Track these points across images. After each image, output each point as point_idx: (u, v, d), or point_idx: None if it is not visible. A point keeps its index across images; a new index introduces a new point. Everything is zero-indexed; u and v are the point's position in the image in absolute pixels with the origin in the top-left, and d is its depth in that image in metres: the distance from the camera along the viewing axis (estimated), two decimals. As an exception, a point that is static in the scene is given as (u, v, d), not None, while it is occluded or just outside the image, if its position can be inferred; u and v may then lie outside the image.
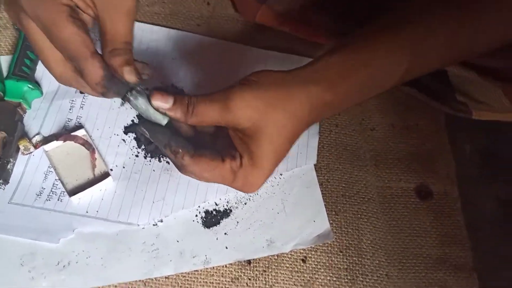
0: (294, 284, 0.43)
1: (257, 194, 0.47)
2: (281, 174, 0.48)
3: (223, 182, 0.36)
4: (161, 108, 0.35)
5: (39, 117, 0.47)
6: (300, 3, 0.54)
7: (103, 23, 0.35)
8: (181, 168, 0.36)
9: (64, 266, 0.40)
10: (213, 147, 0.37)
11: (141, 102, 0.36)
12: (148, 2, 0.58)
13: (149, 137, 0.36)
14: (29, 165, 0.45)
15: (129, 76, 0.35)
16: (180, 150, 0.35)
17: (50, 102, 0.49)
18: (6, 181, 0.43)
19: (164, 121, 0.36)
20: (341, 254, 0.45)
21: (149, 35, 0.55)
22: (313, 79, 0.34)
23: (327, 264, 0.44)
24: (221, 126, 0.35)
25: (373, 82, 0.36)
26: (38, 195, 0.43)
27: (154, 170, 0.46)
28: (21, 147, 0.44)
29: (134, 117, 0.49)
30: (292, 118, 0.34)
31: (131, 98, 0.36)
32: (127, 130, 0.48)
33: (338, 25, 0.54)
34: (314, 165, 0.49)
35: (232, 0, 0.58)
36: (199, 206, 0.45)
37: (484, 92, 0.47)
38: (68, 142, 0.46)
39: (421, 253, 0.46)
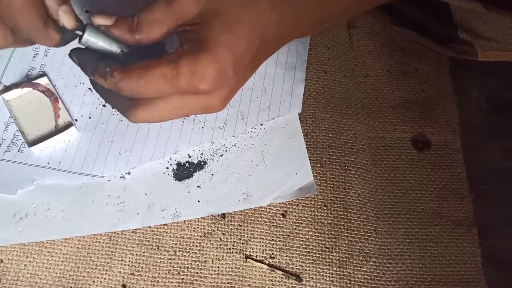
0: (272, 239, 0.40)
1: (235, 145, 0.43)
2: (261, 124, 0.44)
3: (166, 84, 0.29)
4: (103, 26, 0.31)
5: (0, 66, 0.44)
6: None
7: None
8: (117, 90, 0.31)
9: (21, 218, 0.38)
10: None
11: (91, 37, 0.32)
12: None
13: (79, 66, 0.32)
14: (-12, 116, 0.42)
15: (66, 17, 0.32)
16: (108, 69, 0.30)
17: (12, 49, 0.45)
18: (-38, 131, 0.41)
19: (113, 52, 0.32)
20: (325, 208, 0.41)
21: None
22: None
23: (309, 219, 0.40)
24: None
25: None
26: (-3, 146, 0.41)
27: (122, 120, 0.43)
28: (-22, 95, 0.41)
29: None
30: (250, 4, 0.29)
31: (85, 38, 0.32)
32: (93, 78, 0.44)
33: None
34: (299, 114, 0.45)
35: None
36: (170, 158, 0.42)
37: (491, 25, 0.41)
38: (29, 91, 0.43)
39: (415, 208, 0.42)
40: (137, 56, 0.32)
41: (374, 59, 0.48)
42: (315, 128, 0.44)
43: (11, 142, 0.41)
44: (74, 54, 0.33)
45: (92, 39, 0.32)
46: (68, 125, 0.42)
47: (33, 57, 0.45)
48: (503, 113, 0.46)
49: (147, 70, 0.29)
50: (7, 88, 0.43)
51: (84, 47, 0.33)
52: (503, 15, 0.38)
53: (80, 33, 0.32)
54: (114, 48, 0.32)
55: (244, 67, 0.31)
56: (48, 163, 0.40)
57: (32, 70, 0.44)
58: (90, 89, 0.44)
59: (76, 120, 0.42)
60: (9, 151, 0.40)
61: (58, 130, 0.41)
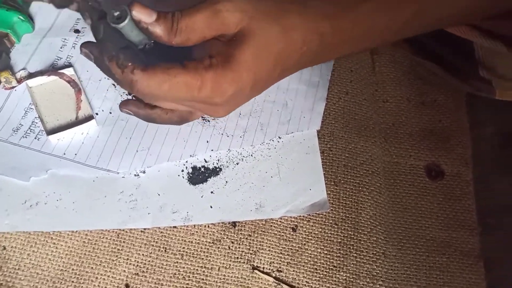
0: (281, 253, 0.39)
1: (252, 155, 0.43)
2: (280, 137, 0.44)
3: (187, 94, 0.29)
4: (142, 22, 0.30)
5: (27, 53, 0.44)
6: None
7: None
8: (131, 87, 0.30)
9: (31, 206, 0.37)
10: None
11: (129, 25, 0.30)
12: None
13: (97, 40, 0.30)
14: (9, 100, 0.42)
15: None
16: (130, 64, 0.29)
17: (41, 38, 0.45)
18: (-18, 113, 0.40)
19: (139, 44, 0.31)
20: (335, 226, 0.41)
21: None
22: (310, 4, 0.30)
23: (319, 236, 0.40)
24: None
25: (374, 23, 0.32)
26: (14, 131, 0.40)
27: (142, 118, 0.43)
28: (2, 79, 0.41)
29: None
30: (284, 35, 0.30)
31: (123, 25, 0.29)
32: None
33: None
34: (317, 131, 0.45)
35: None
36: (186, 161, 0.42)
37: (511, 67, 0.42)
38: (54, 79, 0.43)
39: (424, 235, 0.42)
40: (159, 51, 0.31)
41: (395, 86, 0.49)
42: (332, 147, 0.45)
43: (29, 128, 0.41)
44: (103, 30, 0.30)
45: (128, 27, 0.30)
46: (88, 118, 0.41)
47: (61, 48, 0.45)
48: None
49: (172, 76, 0.29)
50: (31, 75, 0.43)
51: (110, 26, 0.30)
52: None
53: (116, 13, 0.30)
54: (143, 41, 0.31)
55: (259, 88, 0.33)
56: (64, 154, 0.40)
57: (58, 60, 0.45)
58: (114, 84, 0.44)
59: (96, 113, 0.42)
60: (26, 137, 0.40)
61: (78, 121, 0.41)
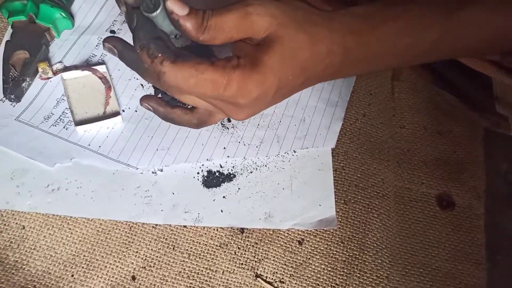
0: (285, 264, 0.40)
1: (266, 165, 0.44)
2: (294, 151, 0.45)
3: (212, 91, 0.30)
4: (174, 14, 0.30)
5: (64, 47, 0.47)
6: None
7: None
8: (158, 78, 0.30)
9: (53, 190, 0.39)
10: None
11: (162, 14, 0.31)
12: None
13: (131, 29, 0.31)
14: (44, 90, 0.44)
15: None
16: (160, 54, 0.30)
17: (79, 35, 0.48)
18: (18, 99, 0.43)
19: (170, 34, 0.32)
20: (341, 244, 0.41)
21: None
22: (338, 18, 0.31)
23: (325, 252, 0.41)
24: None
25: (398, 42, 0.33)
26: (45, 118, 0.43)
27: (165, 119, 0.45)
28: (40, 69, 0.44)
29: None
30: (310, 45, 0.30)
31: (156, 14, 0.31)
32: (147, 75, 0.47)
33: None
34: (332, 149, 0.46)
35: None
36: (202, 164, 0.43)
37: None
38: (87, 74, 0.45)
39: (429, 264, 0.42)
40: (186, 45, 0.32)
41: (413, 113, 0.50)
42: (345, 166, 0.45)
43: (59, 118, 0.43)
44: (136, 19, 0.31)
45: (161, 17, 0.31)
46: (115, 114, 0.44)
47: (96, 46, 0.48)
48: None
49: (200, 72, 0.29)
50: (66, 68, 0.46)
51: (142, 16, 0.32)
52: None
53: (150, 2, 0.31)
54: (174, 31, 0.32)
55: (282, 95, 0.33)
56: (89, 145, 0.42)
57: (92, 57, 0.47)
58: (142, 85, 0.46)
59: (123, 110, 0.44)
60: (55, 125, 0.42)
61: (105, 116, 0.43)
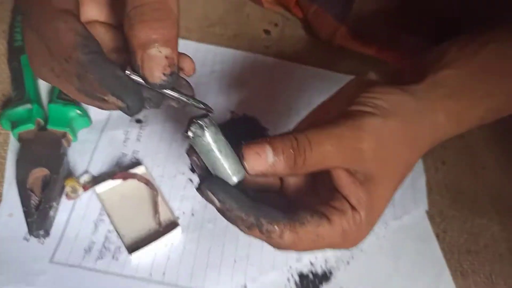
0: None
1: (361, 250, 0.37)
2: (386, 224, 0.38)
3: (325, 247, 0.26)
4: (259, 172, 0.23)
5: (87, 152, 0.38)
6: (386, 21, 0.47)
7: None
8: (275, 247, 0.25)
9: None
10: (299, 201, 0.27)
11: (209, 142, 0.23)
12: (207, 23, 0.50)
13: (216, 206, 0.23)
14: (74, 212, 0.35)
15: (159, 69, 0.21)
16: (277, 228, 0.23)
17: (99, 133, 0.40)
18: (47, 233, 0.33)
19: (234, 178, 0.23)
20: (480, 331, 0.34)
21: (213, 56, 0.47)
22: (441, 107, 0.26)
23: None
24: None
25: (500, 110, 0.29)
26: (87, 251, 0.33)
27: (231, 218, 0.36)
28: (68, 189, 0.35)
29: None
30: (411, 159, 0.26)
31: (195, 132, 0.22)
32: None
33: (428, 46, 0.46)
34: (426, 212, 0.39)
35: (307, 20, 0.51)
36: (290, 267, 0.35)
37: None
38: (126, 181, 0.36)
39: None
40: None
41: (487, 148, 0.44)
42: (446, 229, 0.39)
43: (103, 246, 0.34)
44: (210, 188, 0.23)
45: (215, 145, 0.23)
46: (171, 225, 0.35)
47: (124, 142, 0.40)
48: None
49: (321, 238, 0.24)
50: (95, 179, 0.37)
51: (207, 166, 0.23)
52: None
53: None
54: (228, 170, 0.23)
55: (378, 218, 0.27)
56: (151, 274, 0.33)
57: (123, 156, 0.39)
58: (190, 180, 0.38)
59: (178, 217, 0.36)
60: (101, 258, 0.33)
61: (160, 231, 0.35)
